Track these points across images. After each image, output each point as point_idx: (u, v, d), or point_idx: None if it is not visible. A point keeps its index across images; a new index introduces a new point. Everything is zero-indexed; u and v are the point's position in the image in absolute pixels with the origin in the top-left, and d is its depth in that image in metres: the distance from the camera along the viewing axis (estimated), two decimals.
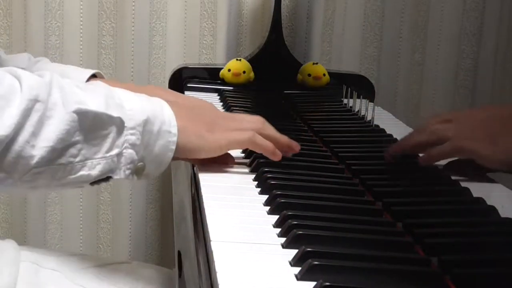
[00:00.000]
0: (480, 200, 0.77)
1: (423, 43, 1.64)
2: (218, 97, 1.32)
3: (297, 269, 0.57)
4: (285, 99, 1.32)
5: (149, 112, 0.76)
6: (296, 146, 0.86)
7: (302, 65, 1.44)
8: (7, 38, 1.52)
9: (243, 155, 0.90)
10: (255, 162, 0.85)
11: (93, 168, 0.74)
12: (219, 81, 1.39)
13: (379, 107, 1.28)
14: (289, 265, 0.58)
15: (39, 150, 0.70)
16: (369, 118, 1.12)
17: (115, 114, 0.74)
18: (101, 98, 0.74)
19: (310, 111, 1.21)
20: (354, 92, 1.21)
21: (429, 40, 1.64)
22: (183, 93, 1.08)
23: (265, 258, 0.59)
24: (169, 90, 1.10)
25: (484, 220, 0.73)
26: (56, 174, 0.72)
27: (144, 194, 1.61)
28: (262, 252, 0.61)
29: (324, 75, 1.40)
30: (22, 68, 0.96)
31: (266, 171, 0.80)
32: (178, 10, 1.56)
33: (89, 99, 0.73)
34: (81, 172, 0.73)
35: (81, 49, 1.55)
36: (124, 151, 0.75)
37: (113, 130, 0.74)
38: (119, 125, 0.74)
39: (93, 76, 1.02)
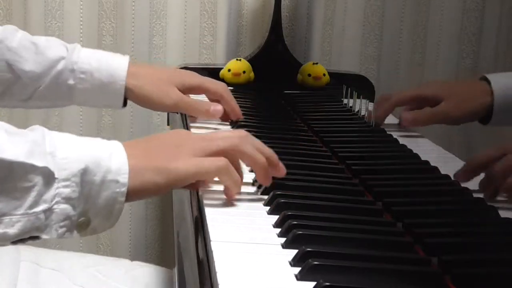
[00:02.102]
0: (480, 200, 0.77)
1: (423, 43, 1.65)
2: None
3: (297, 269, 0.57)
4: (285, 99, 1.32)
5: (89, 161, 0.66)
6: (280, 169, 0.75)
7: (302, 65, 1.44)
8: None
9: None
10: None
11: (11, 226, 0.63)
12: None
13: None
14: (289, 265, 0.58)
15: None
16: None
17: (39, 163, 0.63)
18: (24, 145, 0.64)
19: (310, 111, 1.21)
20: (354, 92, 1.21)
21: (429, 40, 1.64)
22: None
23: (265, 258, 0.59)
24: (195, 74, 1.10)
25: (484, 220, 0.73)
26: None
27: None
28: (262, 252, 0.61)
29: (324, 75, 1.40)
30: (62, 57, 1.02)
31: None
32: (178, 10, 1.56)
33: (7, 146, 0.63)
34: None
35: None
36: (55, 206, 0.64)
37: (38, 182, 0.64)
38: (46, 176, 0.64)
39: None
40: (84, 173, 0.65)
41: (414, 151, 0.97)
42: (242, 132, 0.77)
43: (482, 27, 1.64)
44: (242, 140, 0.74)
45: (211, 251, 0.60)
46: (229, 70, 1.36)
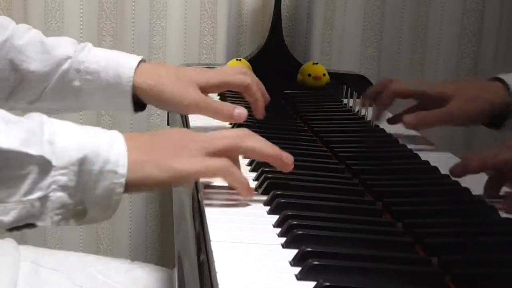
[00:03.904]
0: (480, 200, 0.77)
1: (423, 43, 1.65)
2: (218, 97, 1.32)
3: (297, 269, 0.57)
4: (285, 99, 1.32)
5: (89, 150, 0.66)
6: (287, 160, 0.75)
7: (302, 65, 1.44)
8: None
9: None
10: (255, 162, 0.85)
11: (6, 214, 0.64)
12: None
13: None
14: (289, 265, 0.58)
15: None
16: (369, 118, 1.12)
17: (34, 152, 0.64)
18: (20, 133, 0.64)
19: (310, 111, 1.21)
20: (354, 92, 1.21)
21: (429, 40, 1.64)
22: None
23: (265, 258, 0.59)
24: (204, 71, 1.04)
25: (484, 220, 0.73)
26: None
27: (144, 194, 1.61)
28: (262, 252, 0.61)
29: (324, 75, 1.40)
30: (68, 57, 0.96)
31: (266, 171, 0.80)
32: (178, 10, 1.56)
33: (2, 135, 0.63)
34: None
35: None
36: (51, 194, 0.64)
37: (33, 170, 0.64)
38: (42, 164, 0.64)
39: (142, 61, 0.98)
40: (83, 163, 0.65)
41: (414, 151, 0.97)
42: (242, 130, 0.76)
43: (482, 27, 1.64)
44: (243, 137, 0.74)
45: (211, 251, 0.60)
46: None
